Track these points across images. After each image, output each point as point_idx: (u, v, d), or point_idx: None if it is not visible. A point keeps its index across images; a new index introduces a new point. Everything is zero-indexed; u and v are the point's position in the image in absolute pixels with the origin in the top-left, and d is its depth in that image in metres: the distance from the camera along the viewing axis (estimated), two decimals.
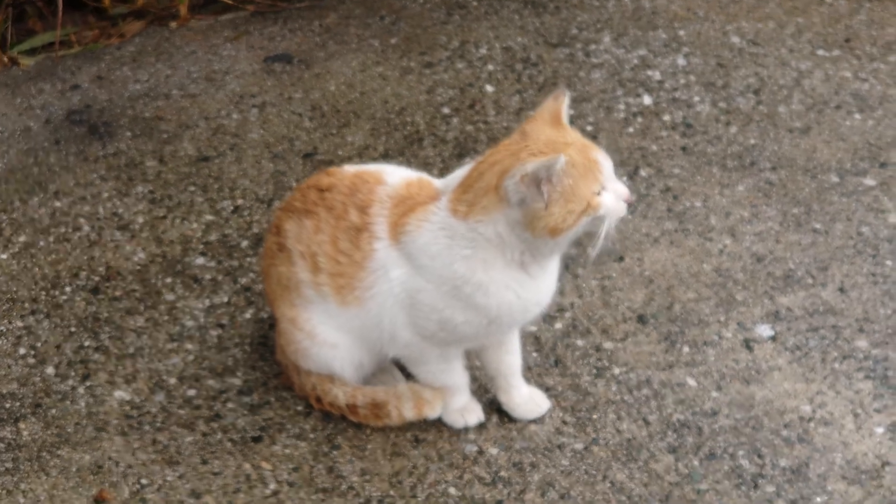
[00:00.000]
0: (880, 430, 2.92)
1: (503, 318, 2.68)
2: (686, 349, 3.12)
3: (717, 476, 2.82)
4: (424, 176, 2.75)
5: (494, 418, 2.95)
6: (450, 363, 2.84)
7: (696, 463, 2.85)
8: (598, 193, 2.52)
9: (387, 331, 2.74)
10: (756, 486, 2.79)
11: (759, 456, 2.86)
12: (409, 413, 2.88)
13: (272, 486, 2.81)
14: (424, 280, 2.62)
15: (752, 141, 3.81)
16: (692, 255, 3.39)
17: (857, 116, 3.91)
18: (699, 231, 3.47)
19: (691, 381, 3.03)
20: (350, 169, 2.79)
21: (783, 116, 3.92)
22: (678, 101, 3.98)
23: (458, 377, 2.88)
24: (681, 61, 4.16)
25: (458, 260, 2.58)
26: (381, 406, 2.88)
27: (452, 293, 2.61)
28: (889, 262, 3.37)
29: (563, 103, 2.60)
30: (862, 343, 3.14)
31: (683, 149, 3.77)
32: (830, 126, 3.87)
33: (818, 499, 2.76)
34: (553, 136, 2.54)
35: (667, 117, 3.91)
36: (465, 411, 2.92)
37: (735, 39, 4.28)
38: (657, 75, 4.10)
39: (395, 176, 2.73)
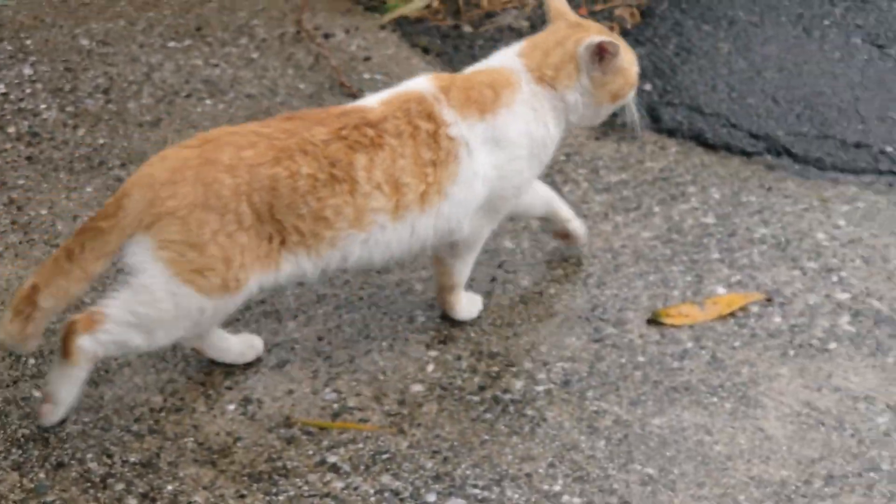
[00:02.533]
0: (231, 406, 2.89)
1: None
2: (32, 361, 2.99)
3: (64, 484, 2.70)
4: (429, 77, 2.94)
5: None
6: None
7: (42, 475, 2.72)
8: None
9: (457, 220, 2.88)
10: (105, 487, 2.69)
11: (109, 455, 2.77)
12: None
13: None
14: (513, 151, 2.90)
15: (101, 140, 3.72)
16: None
17: (209, 102, 3.89)
18: (45, 239, 3.34)
19: (38, 394, 2.89)
20: (373, 99, 2.88)
21: (133, 112, 3.85)
22: (24, 111, 3.84)
23: None
24: (27, 70, 4.02)
25: (553, 123, 2.95)
26: None
27: (535, 153, 2.95)
28: None
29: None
30: None
31: (29, 158, 3.63)
32: (181, 115, 3.84)
33: (169, 487, 2.70)
34: (603, 27, 3.05)
35: (11, 129, 3.76)
36: (472, 302, 3.14)
37: (84, 42, 4.17)
38: (1, 88, 3.93)
39: (417, 82, 2.92)
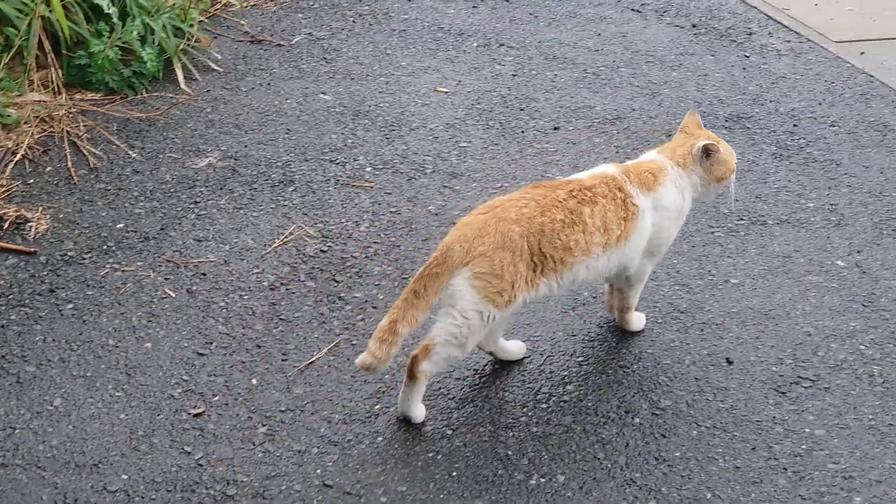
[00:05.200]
0: None
1: None
2: None
3: None
4: (611, 165, 4.09)
5: None
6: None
7: None
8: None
9: (631, 258, 4.02)
10: None
11: None
12: None
13: None
14: (666, 213, 4.06)
15: None
16: None
17: None
18: None
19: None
20: (583, 175, 4.01)
21: None
22: None
23: None
24: None
25: (686, 196, 4.13)
26: None
27: (677, 217, 4.12)
28: None
29: (698, 117, 4.29)
30: None
31: None
32: None
33: None
34: (710, 134, 4.22)
35: None
36: (640, 318, 4.40)
37: None
38: None
39: (610, 168, 4.05)
